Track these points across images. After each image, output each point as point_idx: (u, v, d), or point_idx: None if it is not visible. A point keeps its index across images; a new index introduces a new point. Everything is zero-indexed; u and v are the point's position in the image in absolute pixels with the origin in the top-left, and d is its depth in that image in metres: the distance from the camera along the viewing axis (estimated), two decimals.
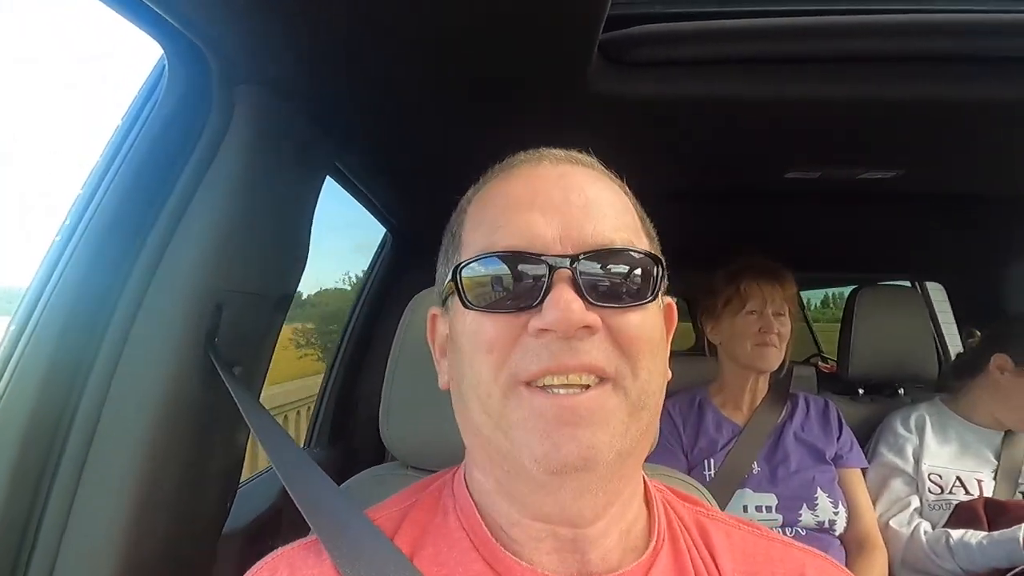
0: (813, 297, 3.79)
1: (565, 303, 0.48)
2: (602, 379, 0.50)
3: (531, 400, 0.49)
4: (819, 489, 1.48)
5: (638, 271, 0.53)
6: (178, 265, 0.76)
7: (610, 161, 0.63)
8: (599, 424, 0.49)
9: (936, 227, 1.75)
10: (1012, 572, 1.29)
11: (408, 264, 1.80)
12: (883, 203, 1.52)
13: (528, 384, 0.49)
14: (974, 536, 1.39)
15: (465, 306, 0.53)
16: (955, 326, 2.19)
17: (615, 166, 0.63)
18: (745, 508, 1.47)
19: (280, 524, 1.26)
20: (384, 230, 1.77)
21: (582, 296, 0.49)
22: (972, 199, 1.48)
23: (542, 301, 0.49)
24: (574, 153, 0.60)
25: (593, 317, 0.49)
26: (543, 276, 0.50)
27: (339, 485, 0.90)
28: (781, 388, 1.65)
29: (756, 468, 1.53)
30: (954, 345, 2.22)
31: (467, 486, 0.60)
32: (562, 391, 0.49)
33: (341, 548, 0.56)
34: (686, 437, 1.60)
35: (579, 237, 0.51)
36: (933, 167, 1.23)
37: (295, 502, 0.64)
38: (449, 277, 0.55)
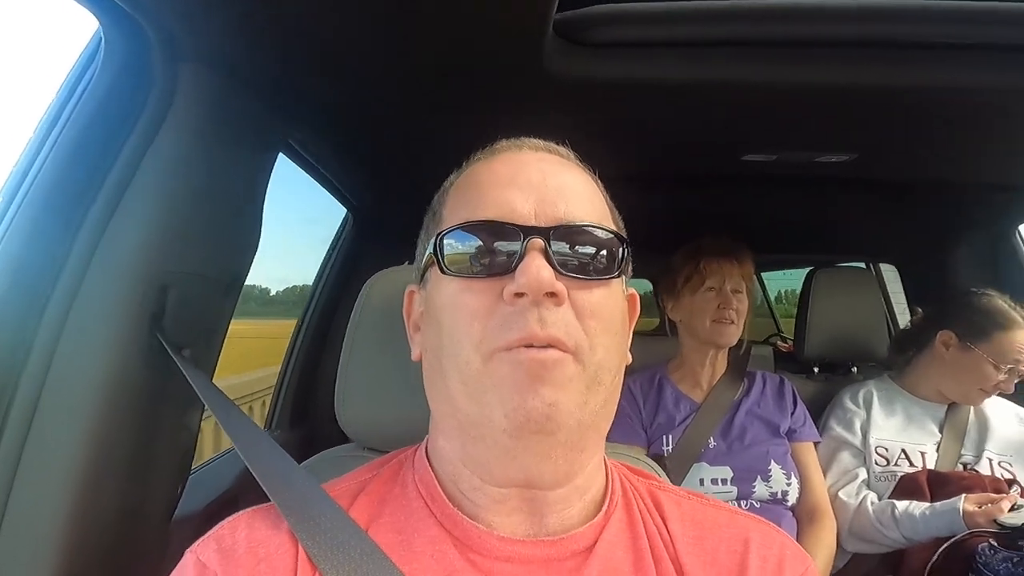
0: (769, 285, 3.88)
1: (536, 268, 0.52)
2: (563, 351, 0.53)
3: (506, 359, 0.52)
4: (773, 462, 1.52)
5: (604, 250, 0.57)
6: (119, 245, 0.74)
7: (569, 144, 0.65)
8: (559, 385, 0.52)
9: (889, 211, 1.80)
10: (951, 540, 1.35)
11: (369, 245, 1.78)
12: (838, 187, 1.55)
13: (506, 350, 0.53)
14: (918, 507, 1.45)
15: (444, 272, 0.56)
16: (906, 306, 2.26)
17: (574, 149, 0.65)
18: (702, 481, 1.51)
19: (237, 508, 1.24)
20: (344, 211, 1.75)
21: (552, 265, 0.53)
22: (923, 184, 1.52)
23: (515, 267, 0.53)
24: (552, 144, 0.64)
25: (560, 286, 0.53)
26: (518, 244, 0.54)
27: (308, 459, 0.90)
28: (739, 365, 1.69)
29: (712, 443, 1.56)
30: (905, 325, 2.30)
31: (428, 459, 0.62)
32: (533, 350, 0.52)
33: (296, 514, 0.58)
34: (645, 413, 1.63)
35: (553, 214, 0.56)
36: (885, 152, 1.26)
37: (255, 475, 0.64)
38: (430, 248, 0.58)
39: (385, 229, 1.75)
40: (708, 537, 0.62)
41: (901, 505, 1.47)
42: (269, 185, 0.98)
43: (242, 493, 1.29)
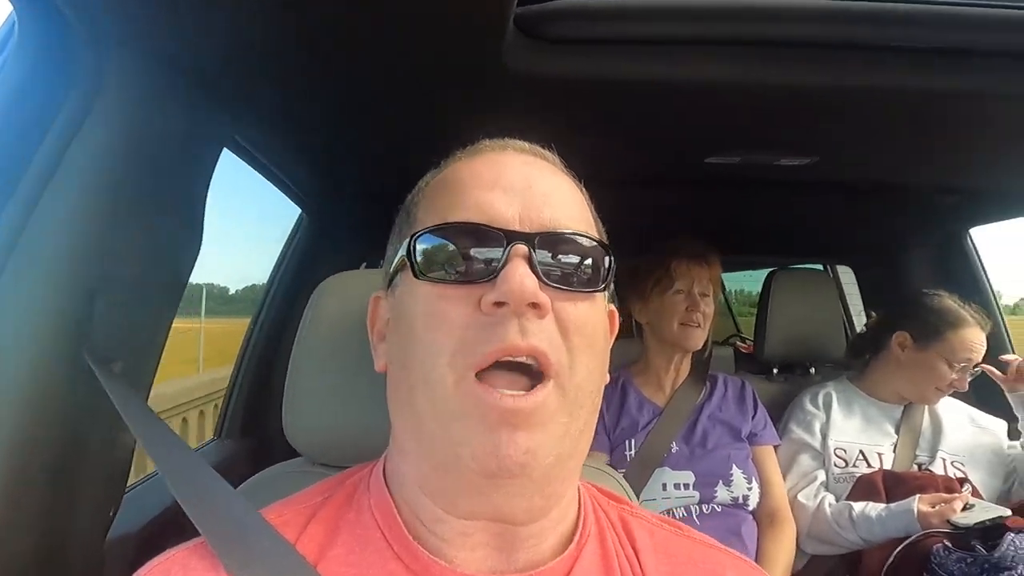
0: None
1: (520, 276, 0.48)
2: (544, 375, 0.49)
3: (480, 395, 0.48)
4: (734, 466, 1.52)
5: (590, 260, 0.53)
6: (39, 249, 0.67)
7: (532, 143, 0.61)
8: (539, 426, 0.48)
9: (846, 214, 1.82)
10: (907, 542, 1.37)
11: (324, 245, 1.72)
12: (798, 190, 1.56)
13: (479, 376, 0.48)
14: (874, 508, 1.46)
15: (417, 277, 0.52)
16: (862, 308, 2.30)
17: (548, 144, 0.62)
18: (664, 486, 1.50)
19: (180, 526, 1.18)
20: (299, 211, 1.68)
21: (536, 274, 0.49)
22: (879, 187, 1.54)
23: (497, 274, 0.49)
24: (537, 147, 0.61)
25: (544, 297, 0.49)
26: (500, 250, 0.50)
27: (252, 477, 0.84)
28: (701, 369, 1.69)
29: (675, 447, 1.55)
30: (861, 326, 2.34)
31: (386, 481, 0.57)
32: (508, 392, 0.48)
33: (234, 552, 0.52)
34: (608, 417, 1.61)
35: (538, 220, 0.52)
36: (844, 155, 1.26)
37: (182, 507, 0.58)
38: (402, 251, 0.54)
39: (340, 229, 1.69)
40: (683, 573, 0.58)
41: (858, 507, 1.48)
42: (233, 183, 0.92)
43: (182, 511, 1.22)
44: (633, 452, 1.55)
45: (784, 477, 1.63)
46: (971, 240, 1.88)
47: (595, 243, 0.54)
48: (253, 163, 1.17)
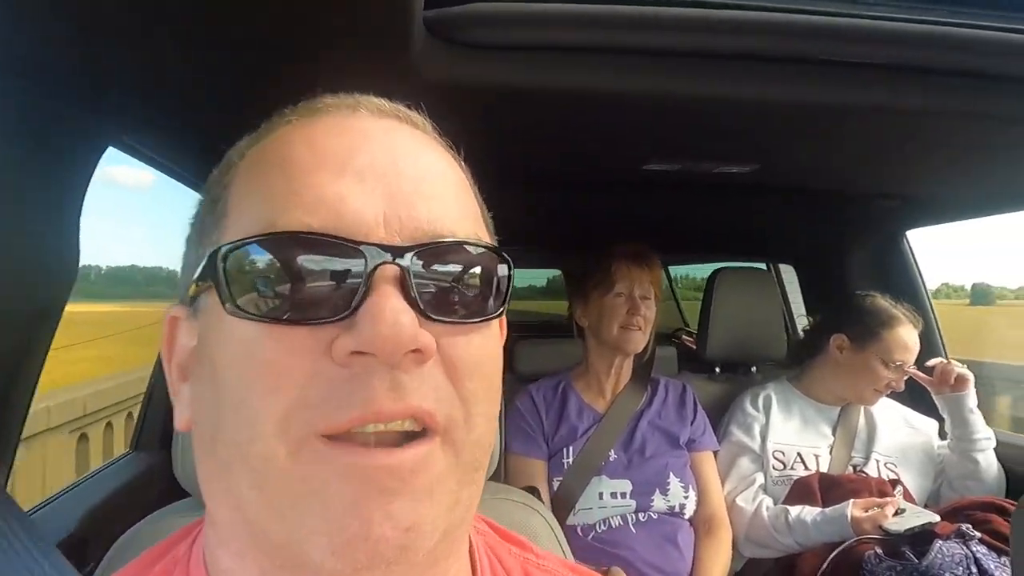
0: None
1: (392, 314, 0.34)
2: (429, 431, 0.36)
3: (332, 459, 0.34)
4: (671, 474, 1.50)
5: (484, 276, 0.39)
6: None
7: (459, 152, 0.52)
8: (423, 493, 0.35)
9: (787, 214, 1.81)
10: (840, 548, 1.37)
11: None
12: (740, 192, 1.54)
13: (329, 437, 0.34)
14: (809, 513, 1.46)
15: (232, 312, 0.35)
16: (804, 307, 2.32)
17: (466, 154, 0.52)
18: (601, 495, 1.47)
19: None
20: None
21: (415, 306, 0.35)
22: (818, 191, 1.53)
23: (356, 310, 0.34)
24: (401, 107, 0.43)
25: (427, 337, 0.35)
26: (360, 274, 0.35)
27: (136, 524, 0.76)
28: (643, 373, 1.66)
29: (613, 455, 1.53)
30: (802, 327, 2.36)
31: (206, 572, 0.42)
32: (375, 442, 0.35)
33: None
34: (547, 423, 1.57)
35: (411, 222, 0.37)
36: (784, 163, 1.24)
37: None
38: (204, 264, 0.38)
39: None
40: None
41: (794, 511, 1.48)
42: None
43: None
44: (571, 460, 1.51)
45: (723, 480, 1.62)
46: (907, 242, 1.90)
47: (488, 250, 0.39)
48: (150, 162, 1.07)
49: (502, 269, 0.40)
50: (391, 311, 0.34)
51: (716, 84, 0.78)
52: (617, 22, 0.69)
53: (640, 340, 1.56)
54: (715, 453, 1.63)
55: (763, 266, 2.51)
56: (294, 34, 0.66)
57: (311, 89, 0.74)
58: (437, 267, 0.37)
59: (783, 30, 0.72)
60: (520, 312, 5.08)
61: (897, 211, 1.72)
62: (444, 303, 0.37)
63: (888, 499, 1.44)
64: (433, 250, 0.37)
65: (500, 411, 1.31)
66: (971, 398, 1.57)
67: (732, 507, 1.58)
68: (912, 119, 0.93)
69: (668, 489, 1.49)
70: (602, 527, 1.46)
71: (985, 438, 1.56)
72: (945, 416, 1.61)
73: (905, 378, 1.62)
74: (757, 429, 1.67)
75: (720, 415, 1.81)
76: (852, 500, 1.44)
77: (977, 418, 1.57)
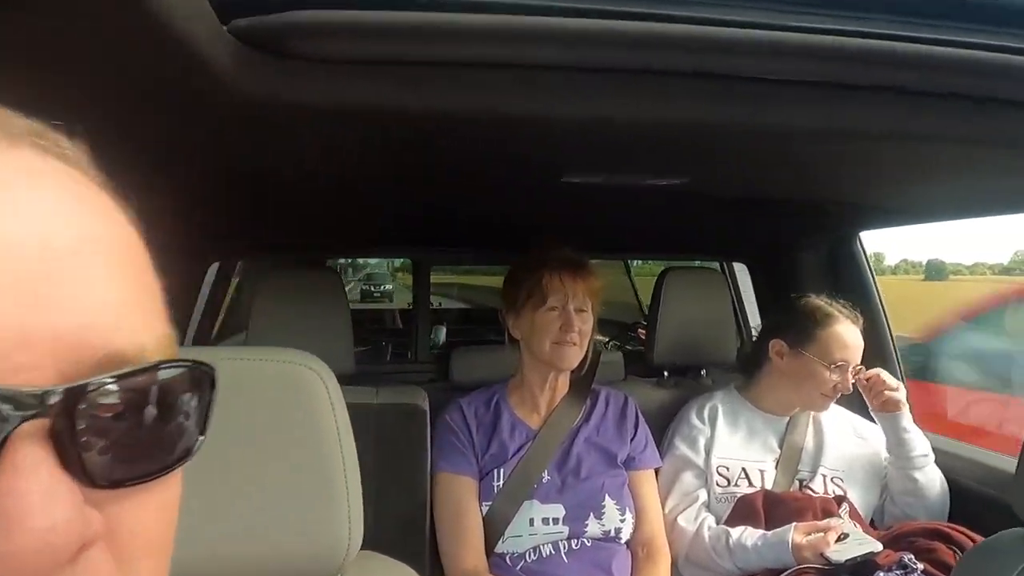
0: None
1: (41, 505, 0.21)
2: None
3: None
4: (607, 496, 1.42)
5: (173, 401, 0.26)
6: None
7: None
8: None
9: (734, 216, 1.72)
10: (786, 574, 1.30)
11: None
12: (680, 197, 1.43)
13: None
14: (750, 536, 1.39)
15: None
16: (756, 306, 2.24)
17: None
18: (532, 521, 1.38)
19: None
20: None
21: (77, 471, 0.23)
22: (762, 199, 1.43)
23: None
24: (47, 129, 0.27)
25: (96, 520, 0.23)
26: None
27: None
28: (581, 386, 1.57)
29: (546, 477, 1.44)
30: (756, 325, 2.29)
31: None
32: None
33: None
34: (478, 440, 1.47)
35: (64, 342, 0.23)
36: (717, 176, 1.14)
37: None
38: None
39: None
40: None
41: (735, 533, 1.41)
42: None
43: None
44: (501, 483, 1.42)
45: (665, 496, 1.54)
46: (860, 243, 1.82)
47: (183, 367, 0.27)
48: None
49: (208, 389, 0.28)
50: (38, 498, 0.21)
51: (616, 101, 0.67)
52: (471, 33, 0.56)
53: (575, 356, 1.45)
54: (657, 470, 1.55)
55: (716, 265, 2.43)
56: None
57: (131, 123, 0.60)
58: (104, 407, 0.23)
59: (697, 45, 0.61)
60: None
61: (845, 214, 1.64)
62: (116, 459, 0.24)
63: (831, 522, 1.37)
64: (96, 394, 0.23)
65: (427, 425, 1.22)
66: (905, 418, 1.51)
67: (673, 526, 1.50)
68: (851, 138, 0.83)
69: (603, 512, 1.40)
70: (532, 556, 1.37)
71: (922, 455, 1.50)
72: (883, 429, 1.55)
73: (852, 380, 1.54)
74: (702, 442, 1.59)
75: (668, 422, 1.73)
76: (794, 524, 1.37)
77: (913, 436, 1.51)
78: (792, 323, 1.60)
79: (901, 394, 1.51)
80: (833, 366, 1.51)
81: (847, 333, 1.53)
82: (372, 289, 11.04)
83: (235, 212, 1.58)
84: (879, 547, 1.27)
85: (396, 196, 1.44)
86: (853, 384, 1.53)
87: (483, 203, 1.55)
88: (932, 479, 1.51)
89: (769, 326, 1.69)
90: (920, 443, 1.51)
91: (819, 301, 1.59)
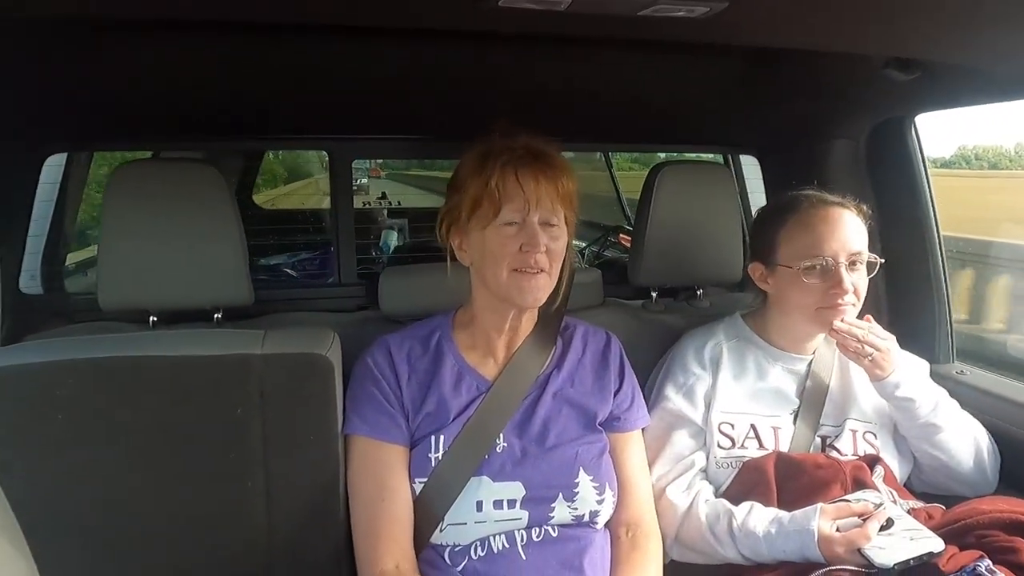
0: None
1: None
2: None
3: None
4: (581, 471, 1.07)
5: None
6: None
7: None
8: None
9: (755, 86, 1.32)
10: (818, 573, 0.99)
11: None
12: (686, 52, 1.08)
13: None
14: (760, 519, 1.07)
15: None
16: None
17: None
18: (480, 504, 1.04)
19: None
20: None
21: None
22: (802, 56, 1.10)
23: None
24: None
25: None
26: None
27: None
28: (550, 324, 1.18)
29: (501, 445, 1.08)
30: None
31: None
32: None
33: None
34: (409, 393, 1.09)
35: None
36: (763, 8, 0.72)
37: None
38: None
39: None
40: None
41: (740, 513, 1.09)
42: None
43: None
44: (440, 453, 1.06)
45: (652, 461, 1.20)
46: (916, 131, 1.41)
47: None
48: None
49: None
50: None
51: None
52: None
53: (541, 288, 1.06)
54: (643, 430, 1.20)
55: (718, 158, 1.99)
56: None
57: None
58: None
59: None
60: None
61: (909, 87, 1.21)
62: None
63: (867, 501, 1.05)
64: None
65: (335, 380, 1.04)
66: (898, 387, 1.17)
67: (661, 497, 1.18)
68: None
69: (575, 493, 1.06)
70: (479, 551, 1.03)
71: (930, 423, 1.18)
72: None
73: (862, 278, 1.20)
74: (701, 393, 1.24)
75: (654, 359, 1.38)
76: (819, 506, 1.05)
77: (917, 404, 1.18)
78: (757, 234, 1.29)
79: (885, 352, 1.17)
80: (803, 268, 1.17)
81: (813, 218, 1.19)
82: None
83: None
84: (940, 545, 0.96)
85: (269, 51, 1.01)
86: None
87: (399, 62, 1.11)
88: (961, 446, 1.20)
89: (749, 247, 1.37)
90: (927, 405, 1.18)
91: (790, 194, 1.26)
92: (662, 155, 2.26)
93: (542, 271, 1.04)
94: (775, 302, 1.27)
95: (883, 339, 1.18)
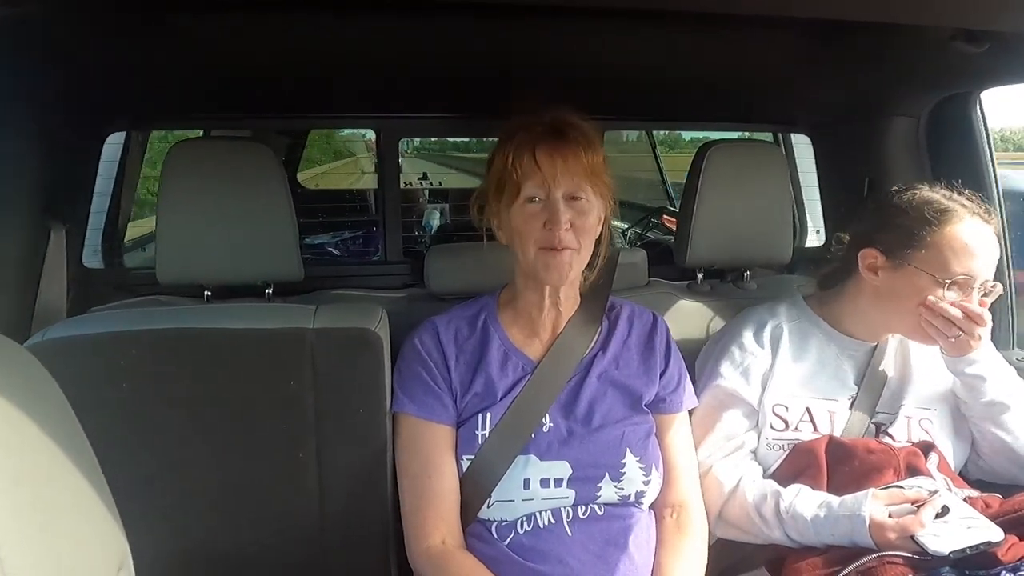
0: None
1: None
2: None
3: None
4: (628, 451, 1.07)
5: None
6: None
7: None
8: None
9: (810, 60, 1.28)
10: (855, 567, 0.98)
11: None
12: (743, 25, 1.06)
13: None
14: (809, 503, 1.06)
15: None
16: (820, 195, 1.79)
17: None
18: (527, 482, 1.05)
19: None
20: None
21: None
22: (865, 26, 1.04)
23: None
24: None
25: None
26: None
27: None
28: (595, 303, 1.17)
29: (548, 424, 1.08)
30: (813, 213, 1.85)
31: None
32: None
33: None
34: (458, 374, 1.10)
35: None
36: None
37: None
38: None
39: None
40: None
41: (788, 495, 1.08)
42: None
43: None
44: (488, 431, 1.07)
45: (701, 439, 1.19)
46: (980, 107, 1.34)
47: None
48: None
49: None
50: None
51: None
52: None
53: (567, 265, 1.05)
54: (691, 412, 1.20)
55: (768, 137, 1.94)
56: None
57: None
58: None
59: None
60: None
61: (976, 61, 1.16)
62: None
63: (921, 488, 1.03)
64: None
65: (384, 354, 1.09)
66: (972, 364, 1.14)
67: (707, 476, 1.17)
68: None
69: (622, 473, 1.06)
70: (525, 526, 1.04)
71: (995, 400, 1.15)
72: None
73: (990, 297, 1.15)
74: (758, 373, 1.21)
75: (701, 338, 1.37)
76: (871, 491, 1.03)
77: (987, 382, 1.14)
78: (888, 223, 1.18)
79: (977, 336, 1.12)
80: (949, 282, 1.10)
81: (973, 234, 1.11)
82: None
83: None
84: (999, 534, 0.93)
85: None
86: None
87: (449, 38, 1.11)
88: None
89: (859, 231, 1.26)
90: (997, 382, 1.15)
91: (933, 193, 1.16)
92: (699, 135, 2.22)
93: (569, 248, 1.04)
94: (874, 292, 1.20)
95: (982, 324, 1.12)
